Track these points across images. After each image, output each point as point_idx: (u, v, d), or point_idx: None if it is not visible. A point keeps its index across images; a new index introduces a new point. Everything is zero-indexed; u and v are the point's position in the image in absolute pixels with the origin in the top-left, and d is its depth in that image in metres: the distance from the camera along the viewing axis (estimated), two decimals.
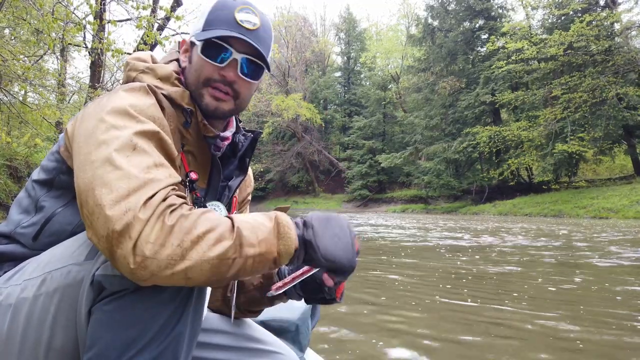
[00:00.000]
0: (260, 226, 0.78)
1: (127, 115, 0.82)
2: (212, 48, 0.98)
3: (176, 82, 1.00)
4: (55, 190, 0.95)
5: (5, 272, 0.90)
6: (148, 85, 0.91)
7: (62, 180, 0.94)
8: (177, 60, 1.08)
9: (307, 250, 0.83)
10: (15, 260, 0.92)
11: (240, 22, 0.98)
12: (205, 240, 0.72)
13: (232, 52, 0.98)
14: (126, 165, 0.74)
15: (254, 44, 0.97)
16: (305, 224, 0.85)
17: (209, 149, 1.04)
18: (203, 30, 1.00)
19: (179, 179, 0.81)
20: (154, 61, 1.05)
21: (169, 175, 0.78)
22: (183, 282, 0.72)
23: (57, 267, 0.83)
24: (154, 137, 0.82)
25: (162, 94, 0.95)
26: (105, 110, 0.83)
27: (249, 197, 1.30)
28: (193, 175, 0.97)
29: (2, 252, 0.93)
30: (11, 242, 0.94)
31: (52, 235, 0.92)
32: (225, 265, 0.73)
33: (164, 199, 0.73)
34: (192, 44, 1.03)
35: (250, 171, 1.29)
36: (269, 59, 1.04)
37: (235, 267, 0.74)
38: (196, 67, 1.00)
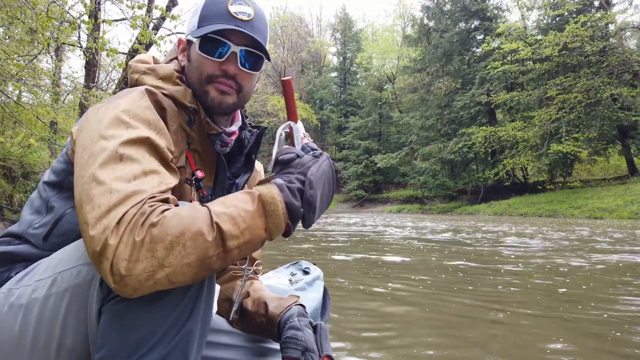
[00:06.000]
0: (241, 213, 0.76)
1: (119, 122, 0.82)
2: (210, 43, 0.98)
3: (177, 80, 1.00)
4: (65, 191, 0.97)
5: (17, 272, 0.92)
6: (146, 89, 0.91)
7: (70, 182, 0.95)
8: (177, 58, 1.08)
9: (304, 218, 0.84)
10: (26, 260, 0.94)
11: (235, 14, 0.98)
12: (181, 245, 0.70)
13: (230, 45, 0.98)
14: (109, 180, 0.73)
15: (251, 34, 0.97)
16: (308, 204, 0.82)
17: (213, 147, 1.04)
18: (199, 27, 0.99)
19: (172, 183, 0.80)
20: (155, 62, 1.06)
21: (159, 183, 0.77)
22: (169, 286, 0.72)
23: (67, 267, 0.84)
24: (144, 143, 0.82)
25: (164, 93, 0.95)
26: (99, 119, 0.84)
27: None
28: (199, 174, 0.97)
29: (13, 252, 0.95)
30: (22, 243, 0.96)
31: (61, 235, 0.94)
32: (209, 263, 0.73)
33: (138, 210, 0.71)
34: (189, 42, 1.03)
35: (260, 167, 1.29)
36: (267, 48, 1.04)
37: (220, 261, 0.74)
38: (196, 64, 1.00)
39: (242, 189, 1.12)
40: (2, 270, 0.94)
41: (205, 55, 0.98)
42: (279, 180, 0.84)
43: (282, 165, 0.89)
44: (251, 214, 0.77)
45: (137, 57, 1.06)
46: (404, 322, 2.47)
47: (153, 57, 1.07)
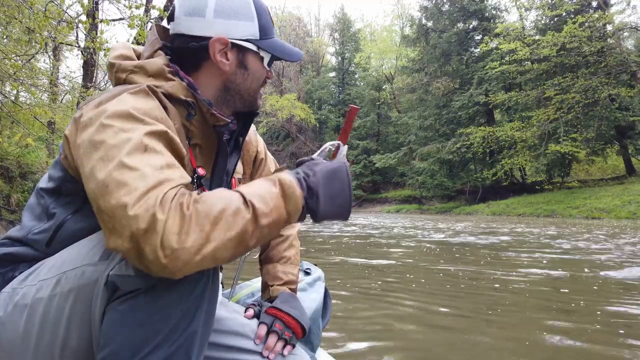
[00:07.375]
0: (268, 194, 0.79)
1: (133, 118, 0.81)
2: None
3: (170, 75, 0.96)
4: (64, 197, 0.95)
5: (21, 272, 0.92)
6: (148, 86, 0.89)
7: (68, 188, 0.94)
8: (161, 49, 1.02)
9: (308, 207, 0.85)
10: (30, 261, 0.93)
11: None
12: (224, 220, 0.73)
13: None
14: (141, 166, 0.74)
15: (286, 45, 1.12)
16: (309, 189, 0.84)
17: (219, 138, 1.04)
18: (262, 38, 1.04)
19: (189, 179, 0.80)
20: (136, 53, 1.01)
21: (180, 176, 0.78)
22: (212, 263, 0.73)
23: (71, 267, 0.84)
24: (163, 137, 0.82)
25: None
26: (108, 115, 0.81)
27: (262, 156, 1.31)
28: (200, 171, 0.97)
29: (17, 253, 0.94)
30: (24, 246, 0.95)
31: (64, 241, 0.92)
32: (246, 239, 0.75)
33: (177, 193, 0.73)
34: (245, 48, 1.03)
35: (251, 128, 1.26)
36: None
37: (254, 238, 0.76)
38: (257, 75, 1.07)
39: (233, 174, 1.14)
40: (6, 270, 0.94)
41: (267, 68, 1.08)
42: (287, 171, 0.88)
43: (297, 166, 0.94)
44: (275, 194, 0.80)
45: (117, 52, 0.99)
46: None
47: (133, 49, 1.01)
